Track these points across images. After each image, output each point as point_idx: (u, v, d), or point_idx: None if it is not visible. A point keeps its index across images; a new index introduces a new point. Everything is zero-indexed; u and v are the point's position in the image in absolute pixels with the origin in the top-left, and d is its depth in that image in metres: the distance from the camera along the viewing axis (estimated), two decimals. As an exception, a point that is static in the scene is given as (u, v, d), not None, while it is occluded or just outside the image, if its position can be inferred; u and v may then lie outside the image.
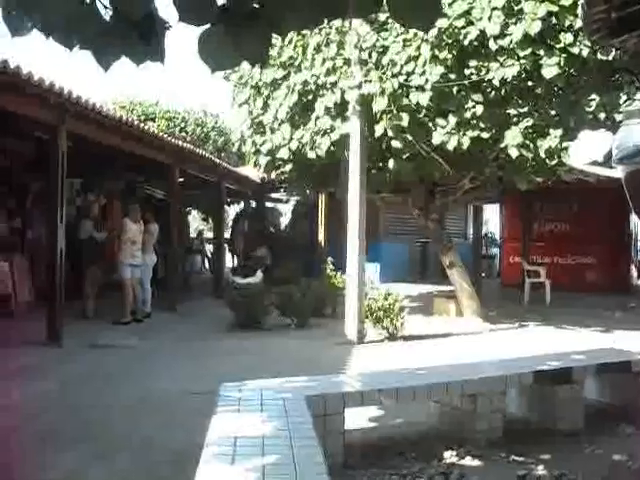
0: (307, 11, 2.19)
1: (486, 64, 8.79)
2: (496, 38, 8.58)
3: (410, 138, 9.39)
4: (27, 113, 8.46)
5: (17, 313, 11.36)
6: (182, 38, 7.05)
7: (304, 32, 9.95)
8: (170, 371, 7.52)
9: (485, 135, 9.00)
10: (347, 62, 9.89)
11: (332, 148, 10.19)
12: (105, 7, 2.21)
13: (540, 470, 4.54)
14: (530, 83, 8.89)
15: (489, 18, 8.53)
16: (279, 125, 10.98)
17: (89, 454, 4.61)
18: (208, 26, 2.15)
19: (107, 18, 2.23)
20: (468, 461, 4.71)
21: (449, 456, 4.80)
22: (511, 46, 8.50)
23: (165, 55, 2.33)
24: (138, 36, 2.26)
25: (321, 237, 16.79)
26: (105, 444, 4.85)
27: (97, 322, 10.78)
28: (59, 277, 8.94)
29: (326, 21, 2.36)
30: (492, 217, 24.21)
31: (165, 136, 12.81)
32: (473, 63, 8.84)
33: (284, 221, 22.80)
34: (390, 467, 4.57)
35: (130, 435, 5.08)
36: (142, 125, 11.48)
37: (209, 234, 24.72)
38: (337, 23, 9.89)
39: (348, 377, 6.05)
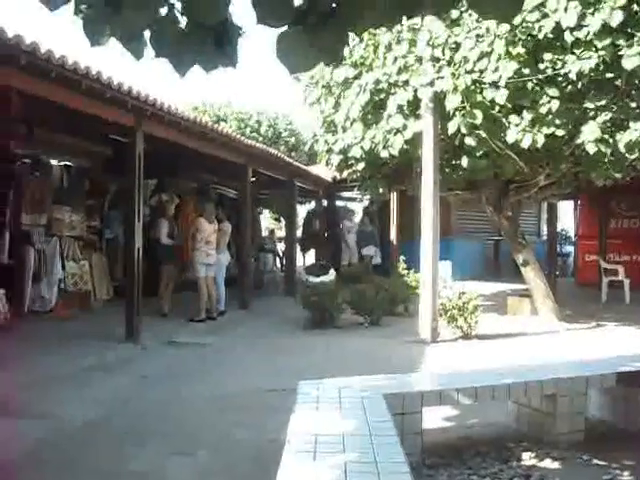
0: (383, 9, 2.18)
1: (562, 57, 8.57)
2: (572, 30, 8.35)
3: (484, 135, 9.25)
4: (106, 116, 8.68)
5: (95, 310, 11.71)
6: (252, 40, 7.11)
7: (375, 31, 9.91)
8: (245, 368, 7.62)
9: (561, 132, 8.79)
10: (419, 60, 9.81)
11: (405, 146, 10.13)
12: (181, 14, 2.25)
13: (625, 476, 4.42)
14: (609, 75, 8.63)
15: (565, 9, 8.31)
16: (351, 124, 10.97)
17: (168, 449, 4.70)
18: (285, 28, 2.17)
19: (183, 26, 2.27)
20: (548, 463, 4.63)
21: (528, 458, 4.73)
22: (588, 37, 8.26)
23: (238, 60, 2.35)
24: (213, 42, 2.30)
25: (393, 235, 16.71)
26: (184, 439, 4.94)
27: (173, 320, 11.00)
28: (137, 275, 9.14)
29: (403, 18, 2.34)
30: (566, 214, 23.64)
31: (238, 136, 12.96)
32: (548, 57, 8.62)
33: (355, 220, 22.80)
34: (468, 467, 4.52)
35: (208, 431, 5.17)
36: (215, 126, 11.63)
37: (280, 233, 24.94)
38: (409, 21, 9.83)
39: (425, 376, 6.03)
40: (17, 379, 6.60)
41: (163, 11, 2.23)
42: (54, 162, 12.15)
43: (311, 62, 2.32)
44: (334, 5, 2.17)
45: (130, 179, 9.17)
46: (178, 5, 2.22)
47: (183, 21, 2.26)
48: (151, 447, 4.73)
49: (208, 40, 2.28)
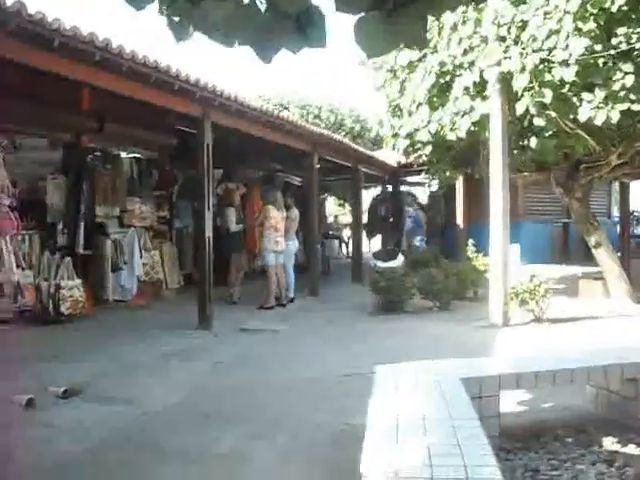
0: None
1: (637, 30, 8.32)
2: (649, 0, 8.11)
3: (554, 115, 9.08)
4: (174, 107, 8.84)
5: (167, 299, 11.97)
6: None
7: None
8: (318, 354, 7.68)
9: (637, 107, 8.53)
10: (485, 40, 9.67)
11: (473, 128, 10.01)
12: (262, 2, 2.28)
13: None
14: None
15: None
16: (417, 107, 10.90)
17: (248, 433, 4.78)
18: (363, 13, 2.18)
19: (264, 13, 2.30)
20: (632, 449, 4.53)
21: (610, 443, 4.63)
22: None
23: (326, 40, 2.36)
24: (295, 27, 2.32)
25: (460, 219, 16.54)
26: (262, 424, 5.02)
27: (243, 307, 11.15)
28: (208, 264, 9.29)
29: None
30: (637, 195, 23.00)
31: (304, 123, 13.01)
32: (622, 31, 8.38)
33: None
34: (548, 452, 4.47)
35: (285, 416, 5.24)
36: (281, 114, 11.70)
37: (345, 219, 24.98)
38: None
39: (502, 359, 5.98)
40: (99, 366, 6.82)
41: (245, 1, 2.26)
42: (124, 154, 12.43)
43: (390, 46, 2.33)
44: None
45: (199, 169, 9.31)
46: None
47: (264, 9, 2.29)
48: (231, 431, 4.83)
49: (291, 26, 2.31)
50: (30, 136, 10.37)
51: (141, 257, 11.30)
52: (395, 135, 11.91)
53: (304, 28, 2.33)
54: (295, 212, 12.26)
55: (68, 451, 4.42)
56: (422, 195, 22.33)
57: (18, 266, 8.75)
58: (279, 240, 11.38)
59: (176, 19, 2.33)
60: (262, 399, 5.77)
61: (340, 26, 2.31)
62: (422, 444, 3.10)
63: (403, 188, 22.19)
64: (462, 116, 10.03)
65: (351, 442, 3.89)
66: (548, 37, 8.80)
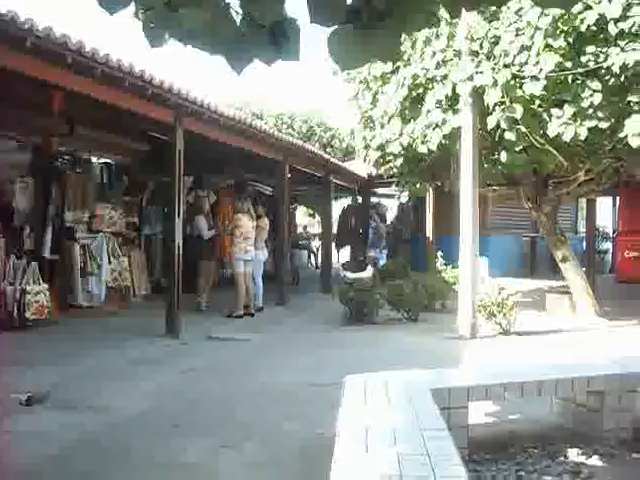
0: (436, 9, 2.21)
1: (605, 50, 8.46)
2: (617, 21, 8.25)
3: (524, 130, 9.18)
4: (147, 113, 8.78)
5: (135, 306, 11.85)
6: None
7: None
8: (287, 363, 7.65)
9: (604, 125, 8.66)
10: (458, 54, 9.77)
11: (444, 142, 10.09)
12: (237, 13, 2.28)
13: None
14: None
15: (609, 0, 8.22)
16: (389, 119, 10.96)
17: (216, 442, 4.74)
18: (337, 26, 2.19)
19: (238, 24, 2.30)
20: (596, 460, 4.58)
21: (576, 454, 4.69)
22: (634, 29, 8.15)
23: (299, 53, 2.36)
24: (269, 39, 2.32)
25: (429, 231, 16.65)
26: (230, 433, 4.98)
27: (211, 316, 11.07)
28: (177, 271, 9.22)
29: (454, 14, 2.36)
30: (601, 211, 23.33)
31: (276, 133, 13.02)
32: (590, 49, 8.51)
33: (390, 216, 22.79)
34: (516, 463, 4.50)
35: (254, 425, 5.21)
36: (254, 122, 11.68)
37: (313, 229, 25.03)
38: (446, 15, 9.80)
39: (470, 371, 6.01)
40: (65, 372, 6.73)
41: (220, 11, 2.26)
42: (94, 159, 12.32)
43: (362, 60, 2.36)
44: (386, 5, 2.19)
45: (170, 176, 9.26)
46: (235, 4, 2.25)
47: (239, 20, 2.29)
48: (199, 439, 4.78)
49: (265, 38, 2.31)
50: (-1, 138, 10.25)
51: (109, 263, 11.19)
52: (366, 147, 11.96)
53: (278, 40, 2.33)
54: (265, 221, 12.24)
55: (30, 459, 4.33)
56: (392, 207, 22.47)
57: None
58: (249, 249, 11.34)
59: (151, 25, 2.32)
60: (231, 408, 5.73)
61: (316, 36, 2.31)
62: (392, 454, 3.10)
63: (373, 199, 22.29)
64: (434, 129, 10.09)
65: (320, 451, 3.88)
66: (519, 52, 8.91)
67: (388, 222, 22.65)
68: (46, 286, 9.35)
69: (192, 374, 7.08)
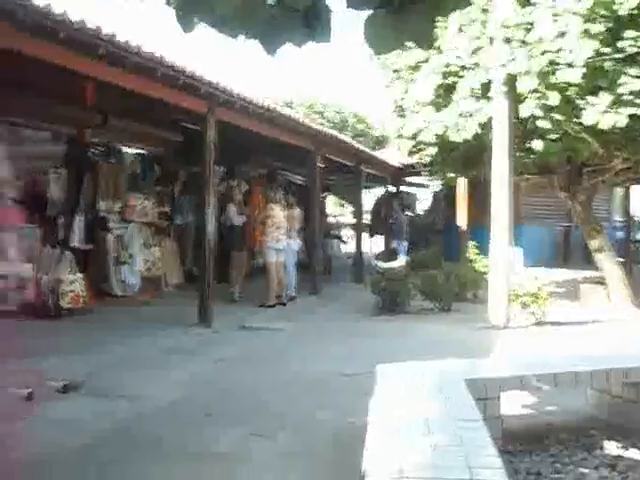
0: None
1: (645, 34, 8.26)
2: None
3: (559, 117, 9.03)
4: (179, 103, 8.80)
5: (167, 295, 11.93)
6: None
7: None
8: (319, 352, 7.65)
9: (643, 112, 8.48)
10: (491, 41, 9.63)
11: (479, 130, 9.97)
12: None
13: None
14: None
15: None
16: (421, 108, 10.86)
17: (248, 431, 4.74)
18: (372, 11, 2.17)
19: (272, 7, 2.29)
20: (634, 454, 4.50)
21: (613, 447, 4.61)
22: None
23: (330, 35, 2.35)
24: (302, 22, 2.32)
25: (462, 221, 16.51)
26: (262, 422, 4.99)
27: (243, 305, 11.11)
28: (208, 261, 9.25)
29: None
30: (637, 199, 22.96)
31: (307, 121, 12.98)
32: (630, 34, 8.33)
33: (423, 206, 22.70)
34: (550, 455, 4.44)
35: (286, 414, 5.21)
36: (284, 111, 11.67)
37: (344, 219, 24.97)
38: (480, 2, 9.68)
39: (504, 361, 5.94)
40: (99, 361, 6.80)
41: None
42: (127, 149, 12.40)
43: (397, 44, 2.34)
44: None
45: (201, 166, 9.29)
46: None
47: (271, 3, 2.28)
48: (231, 429, 4.80)
49: (298, 20, 2.30)
50: (34, 129, 10.35)
51: (142, 253, 11.28)
52: (399, 135, 11.87)
53: (310, 22, 2.32)
54: (297, 210, 12.25)
55: (64, 445, 4.38)
56: (426, 196, 22.36)
57: (20, 259, 8.74)
58: (281, 238, 11.36)
59: (183, 11, 2.33)
60: (263, 397, 5.73)
61: (350, 24, 2.30)
62: (426, 443, 3.07)
63: (402, 189, 22.20)
64: (467, 117, 9.98)
65: (353, 441, 3.87)
66: (555, 38, 8.74)
67: (420, 212, 22.59)
68: (80, 275, 9.44)
69: (224, 363, 7.11)
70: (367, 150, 17.20)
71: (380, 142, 18.49)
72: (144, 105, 9.39)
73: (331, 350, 7.82)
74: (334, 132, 14.92)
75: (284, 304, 11.41)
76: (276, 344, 8.33)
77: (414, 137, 11.34)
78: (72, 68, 6.86)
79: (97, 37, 6.38)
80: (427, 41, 2.44)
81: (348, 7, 2.18)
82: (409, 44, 2.39)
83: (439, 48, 10.41)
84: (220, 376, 6.55)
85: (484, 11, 9.68)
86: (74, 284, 9.17)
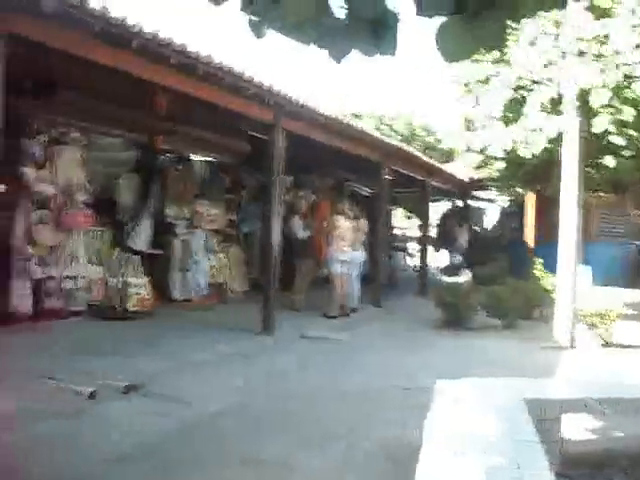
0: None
1: None
2: None
3: (634, 134, 8.79)
4: (247, 112, 8.90)
5: (232, 301, 12.05)
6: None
7: (517, 25, 9.62)
8: (379, 365, 7.61)
9: None
10: (563, 54, 9.45)
11: (546, 145, 9.79)
12: (340, 7, 2.30)
13: None
14: None
15: None
16: (490, 122, 10.74)
17: (298, 441, 4.75)
18: (445, 18, 2.16)
19: (340, 16, 2.31)
20: None
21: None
22: None
23: (396, 47, 2.36)
24: (370, 31, 2.33)
25: (530, 237, 16.22)
26: (315, 432, 4.98)
27: (306, 315, 11.13)
28: (273, 269, 9.31)
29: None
30: None
31: (375, 134, 12.96)
32: None
33: (491, 220, 22.39)
34: (610, 482, 4.31)
35: (340, 425, 5.19)
36: (352, 123, 11.68)
37: (411, 232, 24.80)
38: (552, 14, 9.52)
39: (566, 382, 5.80)
40: (161, 364, 6.91)
41: (322, 4, 2.27)
42: (196, 157, 12.60)
43: (470, 50, 2.32)
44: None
45: (268, 175, 9.37)
46: (337, -2, 2.27)
47: (341, 12, 2.31)
48: (283, 437, 4.81)
49: (366, 29, 2.32)
50: (106, 136, 10.63)
51: (208, 259, 11.43)
52: (467, 149, 11.76)
53: (379, 33, 2.33)
54: (363, 222, 12.22)
55: (123, 444, 4.48)
56: (493, 211, 22.07)
57: (89, 261, 8.97)
58: (346, 249, 11.35)
59: (256, 18, 2.37)
60: (319, 407, 5.73)
61: (417, 35, 2.30)
62: (480, 463, 3.02)
63: (475, 203, 21.99)
64: (536, 132, 9.81)
65: (407, 456, 3.83)
66: (633, 51, 8.50)
67: (488, 227, 22.28)
68: (147, 279, 9.63)
69: (282, 371, 7.14)
70: (435, 163, 17.07)
71: (449, 155, 18.30)
72: (213, 113, 9.53)
73: (390, 363, 7.77)
74: (402, 144, 14.86)
75: (347, 315, 11.40)
76: (335, 355, 8.32)
77: (482, 151, 11.21)
78: (144, 77, 7.02)
79: (168, 47, 6.52)
80: (500, 45, 2.42)
81: (418, 14, 2.18)
82: (480, 57, 2.38)
83: (510, 62, 10.28)
84: (276, 384, 6.59)
85: (557, 24, 9.50)
86: (140, 287, 9.37)
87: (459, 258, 16.90)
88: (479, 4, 2.15)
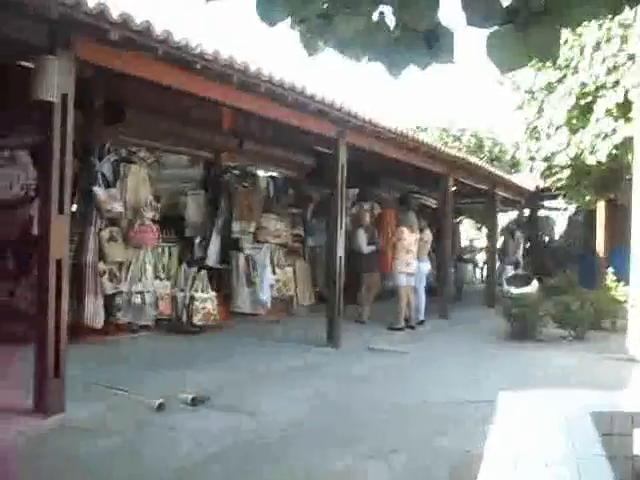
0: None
1: None
2: None
3: None
4: (310, 127, 9.01)
5: (298, 314, 12.15)
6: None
7: (581, 31, 9.48)
8: (444, 378, 7.55)
9: None
10: (631, 57, 9.25)
11: (614, 152, 9.58)
12: (391, 20, 2.32)
13: None
14: None
15: None
16: (555, 130, 10.58)
17: (366, 452, 4.76)
18: (496, 27, 2.16)
19: (393, 30, 2.34)
20: None
21: None
22: None
23: (454, 56, 2.37)
24: (424, 44, 2.34)
25: (600, 246, 15.83)
26: (380, 444, 4.98)
27: (372, 327, 11.14)
28: (338, 282, 9.36)
29: (627, 7, 2.25)
30: None
31: (439, 145, 12.92)
32: None
33: (558, 230, 21.98)
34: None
35: (405, 438, 5.17)
36: (416, 135, 11.67)
37: (479, 243, 24.54)
38: (619, 17, 9.34)
39: (638, 395, 5.65)
40: (227, 376, 7.02)
41: (374, 18, 2.30)
42: (261, 172, 12.78)
43: (522, 60, 2.30)
44: (545, 1, 2.13)
45: (333, 189, 9.43)
46: (388, 12, 2.29)
47: (393, 26, 2.33)
48: (350, 449, 4.82)
49: (419, 42, 2.34)
50: (173, 153, 10.89)
51: (274, 273, 11.55)
52: (532, 158, 11.60)
53: (432, 44, 2.35)
54: (428, 234, 12.16)
55: (190, 456, 4.56)
56: (561, 220, 21.66)
57: (156, 277, 9.18)
58: (411, 262, 11.32)
59: (308, 35, 2.42)
60: (384, 419, 5.73)
61: (476, 44, 2.30)
62: (542, 477, 2.98)
63: (542, 213, 21.62)
64: (603, 139, 9.62)
65: (469, 470, 3.80)
66: None
67: (557, 236, 21.87)
68: (214, 293, 9.80)
69: (347, 384, 7.16)
70: (501, 174, 16.87)
71: (515, 165, 18.08)
72: (278, 129, 9.68)
73: (456, 375, 7.70)
74: (467, 156, 14.74)
75: (413, 327, 11.36)
76: (400, 367, 8.30)
77: (547, 160, 11.05)
78: (208, 96, 7.19)
79: (230, 67, 6.66)
80: (553, 55, 2.39)
81: (468, 25, 2.19)
82: (543, 63, 2.36)
83: (575, 67, 10.12)
84: (342, 396, 6.60)
85: (623, 26, 9.31)
86: (207, 302, 9.53)
87: (525, 268, 16.64)
88: (530, 12, 2.14)
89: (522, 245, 18.15)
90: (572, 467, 3.13)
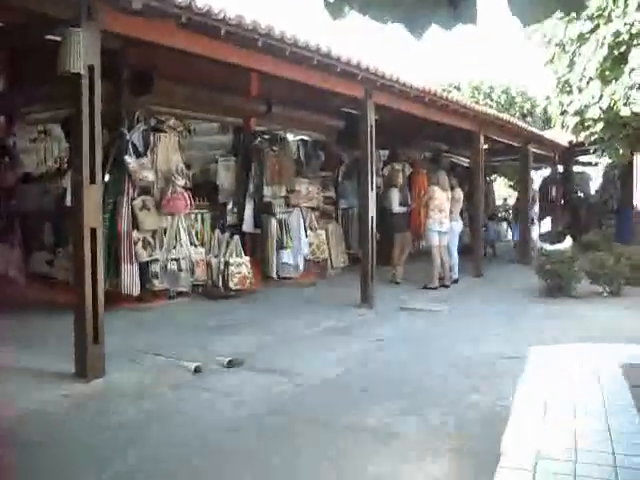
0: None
1: None
2: None
3: None
4: (337, 89, 8.98)
5: (331, 277, 12.22)
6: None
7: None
8: (478, 335, 7.57)
9: None
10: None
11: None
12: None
13: None
14: None
15: None
16: (587, 83, 10.38)
17: (401, 409, 4.82)
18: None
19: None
20: None
21: None
22: None
23: (477, 17, 2.34)
24: (447, 3, 2.33)
25: (636, 201, 15.60)
26: (415, 400, 5.04)
27: (406, 287, 11.18)
28: (371, 244, 9.39)
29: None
30: None
31: (468, 103, 12.77)
32: None
33: (594, 185, 21.67)
34: None
35: (439, 394, 5.23)
36: (444, 93, 11.55)
37: (514, 201, 24.33)
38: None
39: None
40: (263, 339, 7.14)
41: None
42: (291, 136, 12.77)
43: (547, 11, 2.26)
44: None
45: (363, 150, 9.42)
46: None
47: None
48: (385, 405, 4.89)
49: (442, 2, 2.32)
50: (203, 121, 10.93)
51: (307, 236, 11.61)
52: (563, 112, 11.42)
53: (455, 4, 2.33)
54: (459, 193, 12.10)
55: (230, 416, 4.68)
56: (597, 176, 21.36)
57: (191, 243, 9.30)
58: (444, 221, 11.30)
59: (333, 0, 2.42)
60: (418, 377, 5.78)
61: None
62: (569, 428, 3.02)
63: (577, 168, 21.32)
64: (638, 89, 9.43)
65: (502, 423, 3.85)
66: None
67: (593, 192, 21.57)
68: (247, 258, 9.89)
69: (382, 343, 7.22)
70: (533, 129, 16.64)
71: (548, 121, 17.81)
72: (306, 92, 9.64)
73: (491, 332, 7.71)
74: (498, 113, 14.56)
75: (447, 286, 11.37)
76: (435, 326, 8.34)
77: (579, 113, 10.86)
78: (234, 62, 7.19)
79: (255, 31, 6.65)
80: (582, 6, 2.34)
81: None
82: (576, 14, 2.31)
83: (609, 16, 9.88)
84: (377, 355, 6.68)
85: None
86: (241, 266, 9.64)
87: (560, 224, 16.49)
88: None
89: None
90: (601, 418, 3.17)
